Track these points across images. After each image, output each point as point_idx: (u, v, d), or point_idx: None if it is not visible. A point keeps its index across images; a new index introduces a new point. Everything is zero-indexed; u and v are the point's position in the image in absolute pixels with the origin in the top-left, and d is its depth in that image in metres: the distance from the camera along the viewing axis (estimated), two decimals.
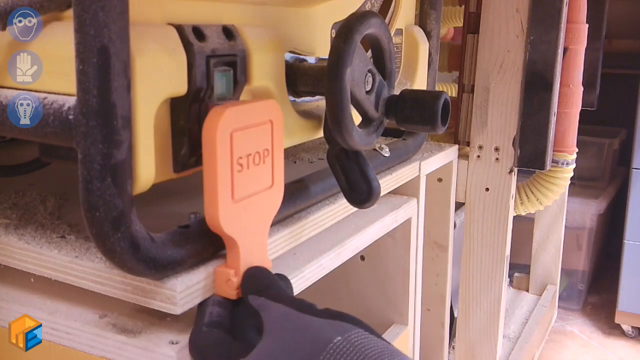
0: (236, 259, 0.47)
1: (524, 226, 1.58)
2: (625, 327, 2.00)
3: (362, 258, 0.86)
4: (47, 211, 0.57)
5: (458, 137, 1.07)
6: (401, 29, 0.79)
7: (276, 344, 0.41)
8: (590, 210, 2.08)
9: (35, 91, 0.43)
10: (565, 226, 1.54)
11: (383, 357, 0.39)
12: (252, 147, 0.46)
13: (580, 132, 1.10)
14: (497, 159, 1.03)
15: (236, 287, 0.46)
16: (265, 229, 0.49)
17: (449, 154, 0.96)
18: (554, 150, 1.03)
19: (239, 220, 0.46)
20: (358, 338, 0.40)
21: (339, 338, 0.40)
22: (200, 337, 0.43)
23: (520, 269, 1.68)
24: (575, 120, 1.06)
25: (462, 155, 1.05)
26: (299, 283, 0.56)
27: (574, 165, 1.08)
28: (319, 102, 0.64)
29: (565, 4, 0.95)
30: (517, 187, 1.12)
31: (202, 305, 0.46)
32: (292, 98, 0.58)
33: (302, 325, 0.42)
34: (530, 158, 1.00)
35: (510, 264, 1.14)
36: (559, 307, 1.75)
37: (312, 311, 0.43)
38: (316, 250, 0.61)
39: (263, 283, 0.46)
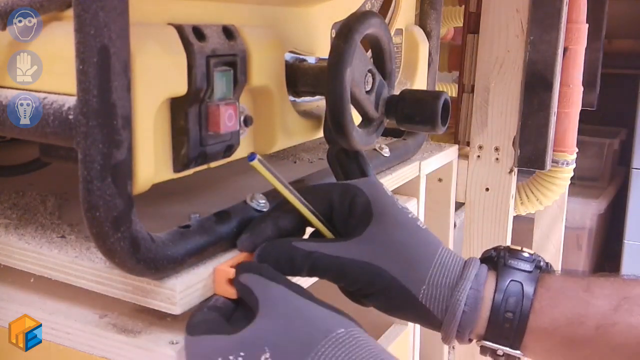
0: (238, 258, 0.47)
1: (524, 226, 1.58)
2: None
3: None
4: (47, 211, 0.57)
5: (458, 137, 1.06)
6: (401, 29, 0.79)
7: (272, 324, 0.41)
8: (590, 210, 2.08)
9: (35, 91, 0.43)
10: (565, 226, 1.54)
11: (383, 357, 0.39)
12: None
13: (580, 132, 1.09)
14: (497, 159, 1.03)
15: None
16: None
17: (449, 154, 0.96)
18: (554, 150, 1.03)
19: None
20: (360, 334, 0.40)
21: (342, 330, 0.40)
22: (198, 314, 0.44)
23: None
24: (575, 120, 1.06)
25: (462, 155, 1.05)
26: (299, 283, 0.56)
27: (574, 165, 1.08)
28: (319, 102, 0.64)
29: (565, 4, 0.95)
30: (517, 187, 1.12)
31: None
32: (292, 98, 0.58)
33: (301, 309, 0.42)
34: (530, 158, 1.00)
35: None
36: None
37: (311, 299, 0.43)
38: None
39: (257, 265, 0.46)
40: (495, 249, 0.51)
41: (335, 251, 0.47)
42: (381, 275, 0.47)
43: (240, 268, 0.45)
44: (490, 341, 0.47)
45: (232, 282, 0.45)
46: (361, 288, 0.48)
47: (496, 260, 0.50)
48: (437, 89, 0.92)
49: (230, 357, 0.39)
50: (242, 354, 0.39)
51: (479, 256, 0.52)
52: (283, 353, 0.39)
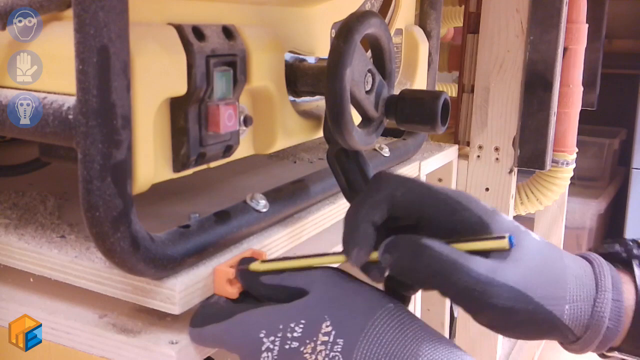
0: (238, 258, 0.47)
1: (523, 226, 1.58)
2: None
3: None
4: (47, 211, 0.57)
5: (458, 137, 1.07)
6: (401, 29, 0.79)
7: (328, 298, 0.42)
8: (590, 210, 2.08)
9: (35, 91, 0.43)
10: (565, 226, 1.54)
11: (429, 332, 0.40)
12: None
13: (580, 132, 1.10)
14: (497, 159, 1.03)
15: (238, 287, 0.46)
16: None
17: (449, 154, 0.96)
18: (554, 150, 1.03)
19: None
20: (407, 311, 0.42)
21: (392, 305, 0.41)
22: (205, 303, 0.46)
23: None
24: (575, 120, 1.06)
25: (462, 155, 1.05)
26: None
27: (574, 165, 1.08)
28: (319, 102, 0.64)
29: (565, 4, 0.95)
30: (517, 187, 1.12)
31: None
32: (292, 98, 0.58)
33: (354, 288, 0.43)
34: (530, 158, 1.01)
35: None
36: None
37: (360, 282, 0.44)
38: (316, 250, 0.60)
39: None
40: (620, 242, 0.44)
41: (489, 270, 0.40)
42: (527, 301, 0.40)
43: (240, 266, 0.46)
44: (627, 353, 0.42)
45: (231, 282, 0.45)
46: (505, 316, 0.41)
47: (626, 257, 0.43)
48: (437, 89, 0.92)
49: (291, 325, 0.40)
50: (302, 321, 0.40)
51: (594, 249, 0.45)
52: (343, 321, 0.40)
